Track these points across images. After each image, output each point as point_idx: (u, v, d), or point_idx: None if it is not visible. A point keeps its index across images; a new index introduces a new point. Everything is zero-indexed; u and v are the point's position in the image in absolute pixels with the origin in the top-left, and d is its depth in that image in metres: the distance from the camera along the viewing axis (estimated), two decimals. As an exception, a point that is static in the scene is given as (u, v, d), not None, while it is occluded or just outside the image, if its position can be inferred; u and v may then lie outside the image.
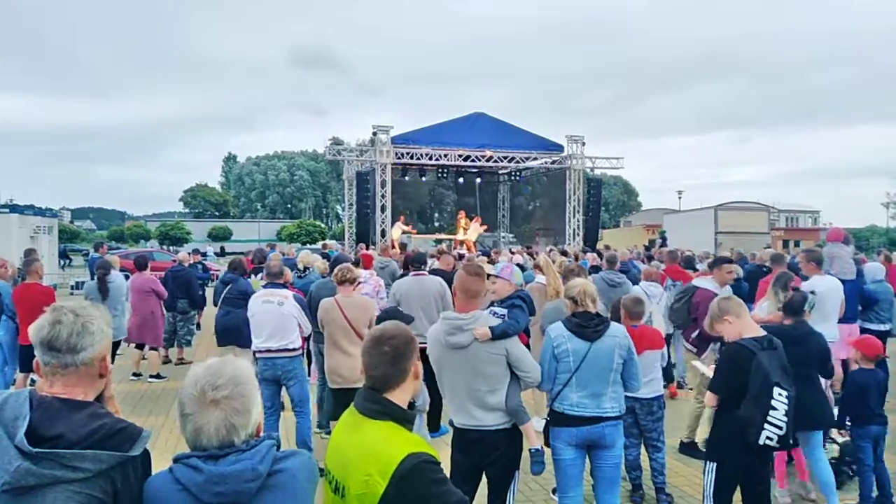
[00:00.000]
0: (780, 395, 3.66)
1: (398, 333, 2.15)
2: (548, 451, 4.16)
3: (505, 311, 4.15)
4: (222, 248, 40.47)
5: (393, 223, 26.30)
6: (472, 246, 25.42)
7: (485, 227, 28.01)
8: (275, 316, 5.85)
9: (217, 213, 70.98)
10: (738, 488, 4.02)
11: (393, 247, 17.21)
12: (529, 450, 3.78)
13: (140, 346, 9.74)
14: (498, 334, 3.63)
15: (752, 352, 3.76)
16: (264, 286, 6.22)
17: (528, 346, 4.06)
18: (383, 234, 25.58)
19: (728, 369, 3.94)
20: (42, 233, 23.21)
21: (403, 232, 25.69)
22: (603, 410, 3.93)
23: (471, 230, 27.03)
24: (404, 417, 2.02)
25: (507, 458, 3.74)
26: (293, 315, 5.89)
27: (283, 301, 5.90)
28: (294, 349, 5.93)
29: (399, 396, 2.05)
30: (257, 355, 6.00)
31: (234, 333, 7.95)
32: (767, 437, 3.67)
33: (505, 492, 3.80)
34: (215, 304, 8.43)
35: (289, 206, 74.68)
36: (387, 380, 2.06)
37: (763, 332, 3.97)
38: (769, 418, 3.65)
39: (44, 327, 1.79)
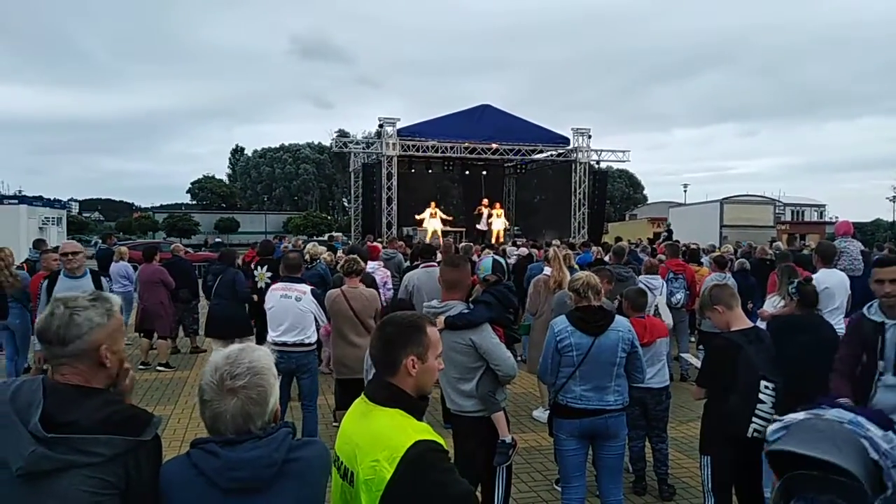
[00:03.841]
0: (766, 387, 3.70)
1: (397, 322, 2.13)
2: (551, 441, 4.21)
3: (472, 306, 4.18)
4: (214, 242, 38.66)
5: (400, 215, 26.15)
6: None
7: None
8: (292, 310, 5.84)
9: (224, 205, 71.13)
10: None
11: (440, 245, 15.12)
12: (498, 440, 3.81)
13: (149, 336, 9.83)
14: (448, 323, 3.73)
15: (738, 345, 3.79)
16: (282, 279, 6.19)
17: (505, 340, 4.10)
18: (389, 225, 25.57)
19: (714, 363, 3.96)
20: (51, 224, 23.35)
21: (445, 231, 23.66)
22: (606, 403, 3.96)
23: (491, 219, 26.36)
24: (414, 406, 2.02)
25: (488, 444, 3.80)
26: (311, 311, 5.88)
27: (300, 296, 5.87)
28: (310, 343, 5.94)
29: (407, 384, 2.04)
30: (272, 348, 5.99)
31: (222, 324, 8.00)
32: (756, 430, 3.69)
33: (491, 480, 3.84)
34: (206, 297, 8.52)
35: (295, 198, 74.77)
36: (381, 365, 2.08)
37: (751, 325, 4.00)
38: (757, 411, 3.68)
39: (42, 319, 1.83)
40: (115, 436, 1.70)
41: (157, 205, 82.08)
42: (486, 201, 26.59)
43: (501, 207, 27.13)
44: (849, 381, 3.74)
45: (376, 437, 1.91)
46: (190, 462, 1.72)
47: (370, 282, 7.27)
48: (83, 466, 1.65)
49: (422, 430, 1.93)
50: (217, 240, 47.44)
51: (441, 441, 1.95)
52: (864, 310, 3.80)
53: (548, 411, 4.63)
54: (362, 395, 2.09)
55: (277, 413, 1.83)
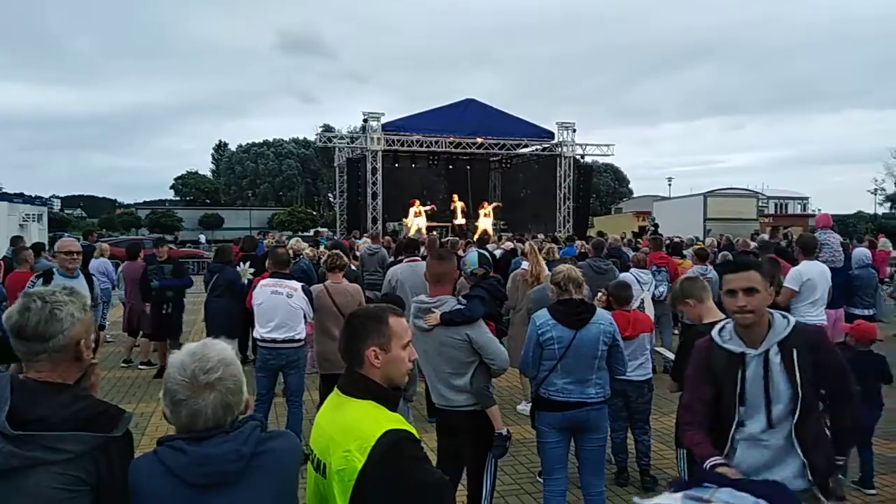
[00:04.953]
0: None
1: (360, 314, 2.16)
2: (534, 434, 4.23)
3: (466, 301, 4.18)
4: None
5: (385, 210, 26.07)
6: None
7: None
8: (283, 307, 5.82)
9: (208, 201, 70.64)
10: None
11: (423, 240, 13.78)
12: (494, 433, 3.81)
13: (133, 334, 9.74)
14: (445, 320, 3.71)
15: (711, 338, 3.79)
16: (272, 275, 6.14)
17: (496, 333, 4.09)
18: (374, 221, 25.51)
19: (687, 356, 3.97)
20: (32, 221, 23.09)
21: (431, 225, 23.76)
22: (587, 396, 3.98)
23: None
24: (385, 397, 2.02)
25: (478, 439, 3.80)
26: (301, 307, 5.88)
27: (291, 293, 5.85)
28: (300, 339, 5.94)
29: (375, 375, 2.04)
30: (260, 344, 5.98)
31: (218, 322, 7.98)
32: None
33: (480, 474, 3.85)
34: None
35: (280, 193, 74.40)
36: (347, 357, 2.09)
37: (723, 317, 4.01)
38: None
39: (13, 315, 1.80)
40: (83, 432, 1.68)
41: (141, 201, 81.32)
42: (455, 196, 26.55)
43: (489, 204, 27.06)
44: (708, 433, 2.81)
45: (348, 427, 1.92)
46: (157, 459, 1.71)
47: (354, 278, 7.26)
48: (52, 463, 1.64)
49: (393, 420, 1.94)
50: (201, 236, 47.09)
51: (413, 430, 1.96)
52: (715, 334, 2.87)
53: (530, 404, 4.64)
54: (335, 388, 2.10)
55: (249, 402, 1.83)
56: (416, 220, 23.73)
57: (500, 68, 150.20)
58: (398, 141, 26.43)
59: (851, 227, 44.64)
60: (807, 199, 64.16)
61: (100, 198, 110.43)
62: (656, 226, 25.08)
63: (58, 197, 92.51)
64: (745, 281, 2.71)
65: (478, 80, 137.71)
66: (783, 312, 2.81)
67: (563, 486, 4.08)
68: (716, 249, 11.96)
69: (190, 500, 1.68)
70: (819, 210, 48.18)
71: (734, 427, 2.74)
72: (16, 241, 10.38)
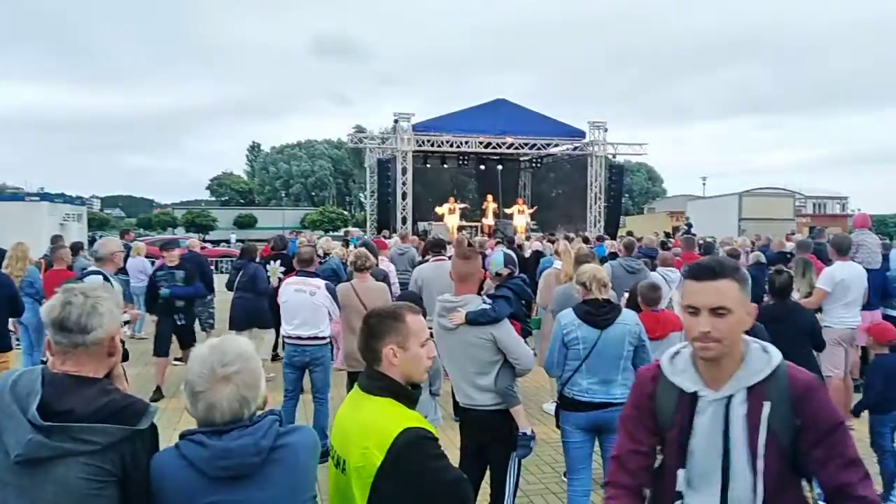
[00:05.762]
0: None
1: (378, 313, 2.17)
2: (559, 433, 4.21)
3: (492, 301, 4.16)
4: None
5: (415, 210, 26.13)
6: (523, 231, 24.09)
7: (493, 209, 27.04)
8: (306, 305, 5.94)
9: (242, 201, 71.77)
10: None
11: (451, 240, 13.51)
12: (517, 433, 3.80)
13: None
14: (470, 320, 3.69)
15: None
16: (297, 273, 6.26)
17: (521, 333, 4.07)
18: (404, 221, 25.60)
19: None
20: (71, 220, 23.64)
21: (462, 225, 23.98)
22: (612, 396, 3.96)
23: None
24: (404, 394, 2.04)
25: (502, 438, 3.79)
26: (324, 305, 5.99)
27: (314, 291, 5.98)
28: (324, 337, 6.06)
29: (394, 373, 2.06)
30: (286, 341, 6.14)
31: (246, 316, 8.16)
32: None
33: (503, 473, 3.84)
34: (229, 290, 8.67)
35: (312, 194, 75.14)
36: (366, 356, 2.11)
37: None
38: None
39: (55, 308, 1.87)
40: (110, 424, 1.73)
41: (178, 201, 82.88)
42: (490, 196, 26.47)
43: (524, 203, 26.97)
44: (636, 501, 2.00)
45: (367, 425, 1.95)
46: (179, 453, 1.76)
47: (382, 277, 7.31)
48: (80, 454, 1.70)
49: (411, 418, 1.97)
50: (232, 235, 47.84)
51: (431, 428, 1.98)
52: (665, 362, 2.00)
53: (555, 404, 4.63)
54: (355, 386, 2.13)
55: (267, 398, 1.86)
56: (450, 218, 23.77)
57: (530, 68, 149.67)
58: (428, 141, 26.46)
59: (893, 227, 43.46)
60: (846, 198, 62.70)
61: (138, 198, 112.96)
62: (690, 225, 24.72)
63: (97, 197, 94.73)
64: (713, 295, 1.82)
65: (508, 79, 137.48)
66: (766, 345, 1.94)
67: (587, 486, 4.07)
68: (748, 249, 11.73)
69: (209, 492, 1.72)
70: (858, 210, 46.98)
71: (673, 496, 1.89)
72: (55, 240, 10.69)
